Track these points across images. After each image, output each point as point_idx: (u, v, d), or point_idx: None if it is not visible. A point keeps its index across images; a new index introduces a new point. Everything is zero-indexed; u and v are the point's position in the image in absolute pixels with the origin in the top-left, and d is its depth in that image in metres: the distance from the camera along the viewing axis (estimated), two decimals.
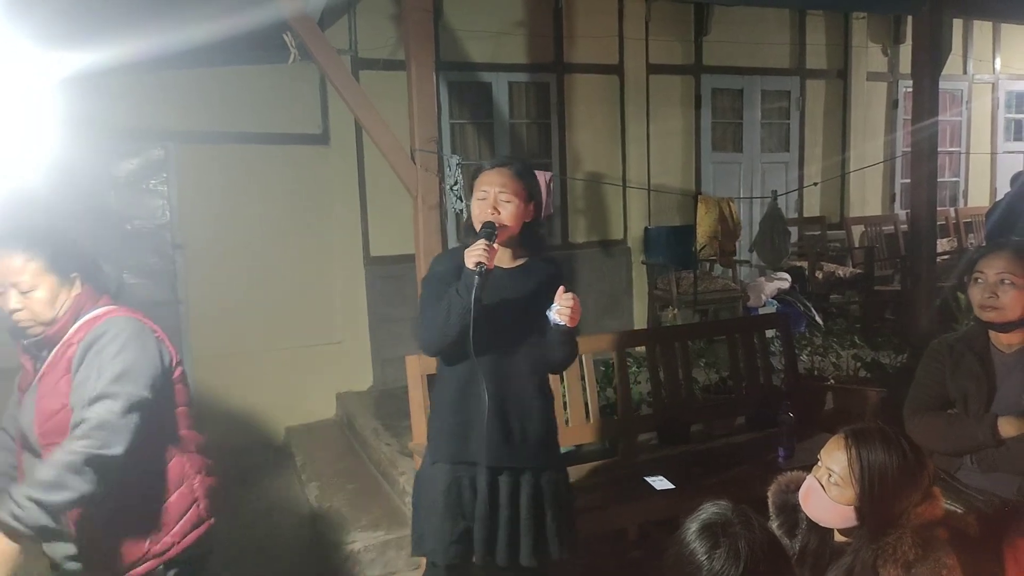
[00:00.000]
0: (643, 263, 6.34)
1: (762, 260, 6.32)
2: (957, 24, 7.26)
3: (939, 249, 6.43)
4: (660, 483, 3.25)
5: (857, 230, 7.53)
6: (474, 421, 2.30)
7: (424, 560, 2.48)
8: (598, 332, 5.36)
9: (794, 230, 6.83)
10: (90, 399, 1.80)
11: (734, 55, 6.77)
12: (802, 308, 6.05)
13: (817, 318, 5.97)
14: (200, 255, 5.06)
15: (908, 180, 7.17)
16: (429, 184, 3.75)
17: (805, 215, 7.29)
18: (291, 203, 5.28)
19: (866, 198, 7.63)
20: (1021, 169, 7.32)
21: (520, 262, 2.37)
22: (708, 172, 6.86)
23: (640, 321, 6.34)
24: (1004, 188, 7.37)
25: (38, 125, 3.42)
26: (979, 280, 2.32)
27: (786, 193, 6.66)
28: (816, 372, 4.65)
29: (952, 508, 2.20)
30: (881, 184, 7.78)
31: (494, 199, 2.29)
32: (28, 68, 3.30)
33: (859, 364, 4.66)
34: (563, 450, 3.80)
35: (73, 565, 1.94)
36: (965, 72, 8.14)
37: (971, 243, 7.68)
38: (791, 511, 1.96)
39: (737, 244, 6.37)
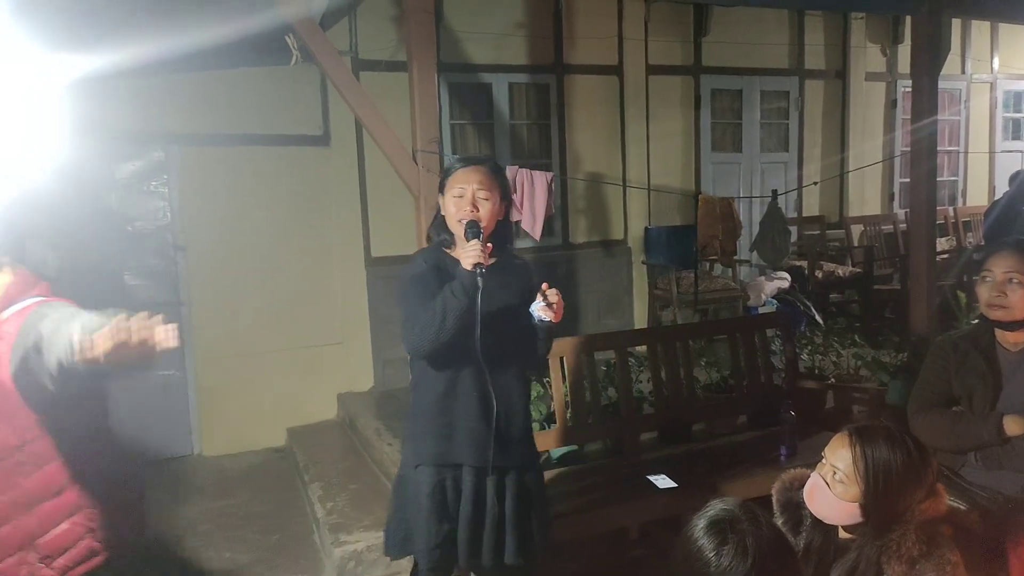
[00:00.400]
0: (643, 263, 6.35)
1: (763, 259, 6.33)
2: (955, 24, 7.26)
3: (938, 248, 6.44)
4: (663, 482, 3.26)
5: (856, 229, 7.54)
6: (459, 422, 2.30)
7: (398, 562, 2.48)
8: (599, 332, 5.40)
9: (793, 230, 6.85)
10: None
11: (733, 56, 6.78)
12: (802, 307, 6.06)
13: (817, 317, 5.98)
14: (202, 257, 5.07)
15: (907, 179, 7.19)
16: (431, 185, 3.74)
17: (804, 215, 7.30)
18: (292, 204, 5.29)
19: (865, 197, 7.65)
20: (1019, 168, 7.36)
21: (493, 260, 2.35)
22: (708, 172, 6.88)
23: (640, 321, 6.35)
24: (1003, 187, 7.40)
25: (40, 127, 3.42)
26: (987, 279, 2.33)
27: (785, 193, 6.68)
28: (817, 371, 4.66)
29: (956, 505, 2.21)
30: (880, 183, 7.80)
31: (472, 197, 2.28)
32: (31, 70, 3.31)
33: (859, 363, 4.67)
34: (565, 450, 3.86)
35: None
36: (963, 72, 8.16)
37: (970, 242, 7.69)
38: (795, 508, 1.97)
39: (738, 243, 6.39)
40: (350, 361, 5.50)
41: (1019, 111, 8.77)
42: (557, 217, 6.11)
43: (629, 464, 3.62)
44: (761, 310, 6.03)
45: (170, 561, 3.76)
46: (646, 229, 6.38)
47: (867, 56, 7.48)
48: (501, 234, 2.38)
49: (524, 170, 4.87)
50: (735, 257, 6.35)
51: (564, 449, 3.85)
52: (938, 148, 5.50)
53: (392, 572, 3.51)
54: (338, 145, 5.42)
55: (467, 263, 2.16)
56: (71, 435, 1.79)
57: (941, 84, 5.21)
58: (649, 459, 3.68)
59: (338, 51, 3.98)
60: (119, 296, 4.72)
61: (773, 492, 2.02)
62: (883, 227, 7.62)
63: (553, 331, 2.34)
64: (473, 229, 2.24)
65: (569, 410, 3.60)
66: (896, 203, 7.85)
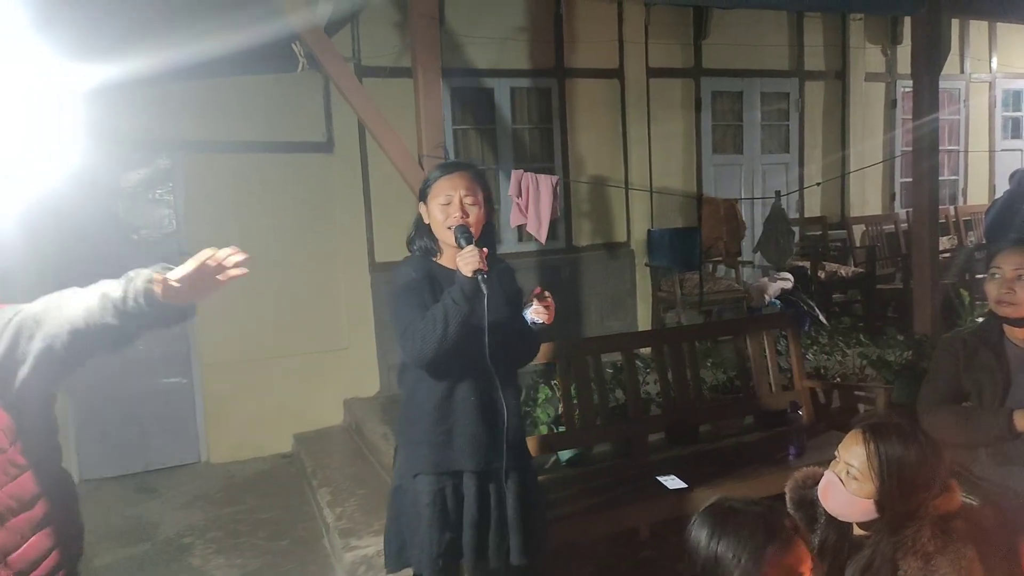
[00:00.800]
0: (647, 265, 6.36)
1: (767, 260, 6.35)
2: (954, 24, 7.30)
3: (940, 247, 6.46)
4: (673, 482, 3.27)
5: (858, 229, 7.57)
6: (458, 428, 2.29)
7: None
8: (603, 335, 5.42)
9: (796, 230, 6.87)
10: None
11: (733, 58, 6.81)
12: (805, 308, 6.08)
13: (821, 317, 6.00)
14: None
15: (907, 179, 7.22)
16: None
17: (806, 215, 7.33)
18: (297, 211, 5.31)
19: (866, 198, 7.67)
20: (1019, 167, 7.38)
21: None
22: (709, 174, 6.90)
23: (644, 323, 6.36)
24: (1003, 186, 7.41)
25: (46, 136, 3.44)
26: (996, 275, 2.35)
27: (787, 194, 6.70)
28: (823, 371, 4.67)
29: (968, 501, 2.22)
30: (881, 184, 7.82)
31: (460, 202, 2.27)
32: (37, 79, 3.32)
33: (864, 362, 4.69)
34: (572, 452, 3.87)
35: None
36: (962, 71, 8.19)
37: (971, 241, 7.72)
38: (809, 506, 1.98)
39: (741, 245, 6.41)
40: (355, 366, 5.51)
41: (1018, 110, 8.80)
42: (560, 220, 6.13)
43: (637, 465, 3.62)
44: (764, 311, 6.04)
45: (182, 568, 3.77)
46: (649, 231, 6.39)
47: (866, 57, 7.51)
48: (488, 239, 2.36)
49: (529, 174, 4.88)
50: (739, 258, 6.36)
51: (572, 452, 3.86)
52: (938, 147, 5.53)
53: None
54: (342, 151, 5.44)
55: (467, 270, 2.13)
56: (35, 444, 1.71)
57: (940, 84, 5.25)
58: (657, 460, 3.69)
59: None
60: None
61: (787, 490, 2.04)
62: (884, 227, 7.65)
63: (542, 332, 2.35)
64: (465, 235, 2.22)
65: (577, 412, 3.61)
66: (897, 203, 7.87)
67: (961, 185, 8.46)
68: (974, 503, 2.23)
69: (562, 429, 3.66)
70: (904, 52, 7.24)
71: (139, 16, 3.50)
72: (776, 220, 6.11)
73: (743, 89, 6.99)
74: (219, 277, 1.62)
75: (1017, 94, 8.74)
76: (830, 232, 7.35)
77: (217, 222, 5.05)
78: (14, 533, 1.65)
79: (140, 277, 1.55)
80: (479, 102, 5.93)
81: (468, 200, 2.28)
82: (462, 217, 2.26)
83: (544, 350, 3.42)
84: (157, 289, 1.53)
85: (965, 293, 5.94)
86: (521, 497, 2.34)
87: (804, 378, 4.10)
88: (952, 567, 1.73)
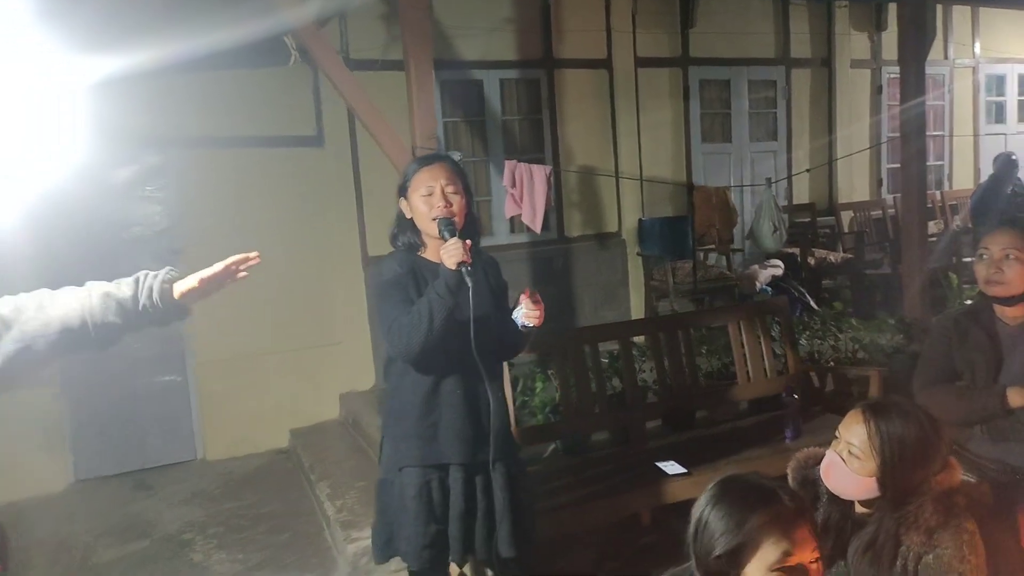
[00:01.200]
0: (638, 255, 6.39)
1: (759, 247, 6.40)
2: (937, 9, 7.36)
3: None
4: (672, 468, 3.29)
5: (846, 216, 7.63)
6: (444, 421, 2.30)
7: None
8: (596, 324, 5.44)
9: (785, 217, 6.91)
10: None
11: (720, 46, 6.84)
12: (796, 294, 6.13)
13: (812, 303, 6.05)
14: (199, 260, 4.99)
15: (894, 165, 7.28)
16: None
17: (795, 202, 7.38)
18: (288, 206, 5.29)
19: (854, 184, 7.74)
20: (1003, 151, 7.46)
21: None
22: (699, 162, 6.93)
23: (637, 312, 6.39)
24: (988, 170, 7.51)
25: (34, 133, 3.41)
26: (984, 256, 2.38)
27: (776, 181, 6.75)
28: (816, 355, 4.72)
29: (966, 478, 2.26)
30: (868, 170, 7.88)
31: (442, 193, 2.26)
32: (23, 77, 3.29)
33: (856, 345, 4.74)
34: (571, 441, 3.89)
35: None
36: (946, 57, 8.26)
37: (957, 225, 7.79)
38: (811, 486, 2.00)
39: (733, 232, 6.45)
40: (350, 361, 5.51)
41: (1001, 95, 8.88)
42: (552, 211, 6.14)
43: (636, 452, 3.65)
44: (756, 298, 6.09)
45: (183, 564, 3.77)
46: (640, 221, 6.42)
47: (852, 43, 7.56)
48: (471, 230, 2.35)
49: (523, 164, 4.89)
50: (731, 246, 6.41)
51: (570, 440, 3.88)
52: (925, 132, 5.58)
53: (403, 567, 3.52)
54: (332, 145, 5.43)
55: (451, 262, 2.12)
56: None
57: (926, 69, 5.29)
58: (655, 447, 3.72)
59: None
60: None
61: (789, 471, 2.06)
62: (872, 213, 7.71)
63: (533, 333, 2.36)
64: (449, 228, 2.21)
65: (575, 401, 3.63)
66: (884, 189, 7.94)
67: (947, 170, 8.54)
68: (971, 480, 2.27)
69: (560, 418, 3.69)
70: (889, 38, 7.29)
71: (129, 11, 3.47)
72: (767, 207, 6.16)
73: (730, 77, 7.03)
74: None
75: (1000, 79, 8.82)
76: (819, 219, 7.41)
77: (209, 218, 5.02)
78: None
79: (152, 277, 1.60)
80: (468, 94, 5.92)
81: (450, 189, 2.28)
82: (445, 207, 2.25)
83: (541, 340, 3.44)
84: (183, 288, 1.60)
85: (953, 276, 6.01)
86: (508, 488, 2.35)
87: (798, 363, 4.15)
88: (954, 541, 1.77)
